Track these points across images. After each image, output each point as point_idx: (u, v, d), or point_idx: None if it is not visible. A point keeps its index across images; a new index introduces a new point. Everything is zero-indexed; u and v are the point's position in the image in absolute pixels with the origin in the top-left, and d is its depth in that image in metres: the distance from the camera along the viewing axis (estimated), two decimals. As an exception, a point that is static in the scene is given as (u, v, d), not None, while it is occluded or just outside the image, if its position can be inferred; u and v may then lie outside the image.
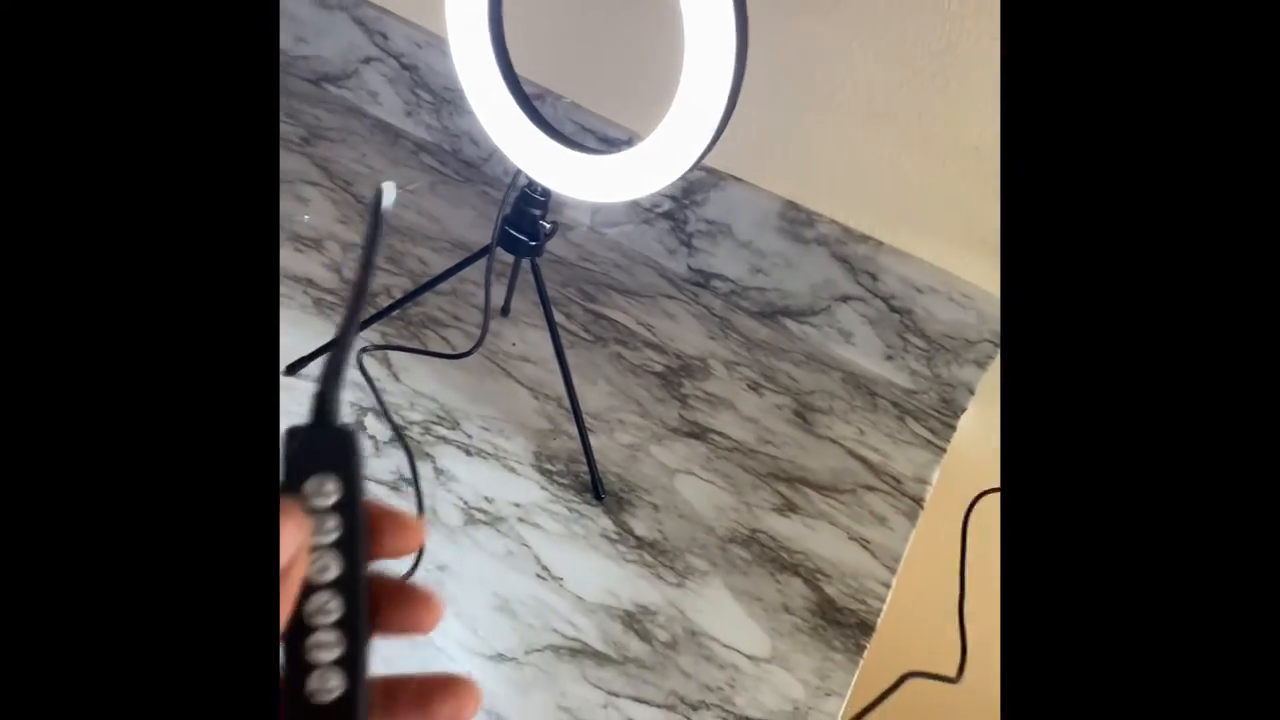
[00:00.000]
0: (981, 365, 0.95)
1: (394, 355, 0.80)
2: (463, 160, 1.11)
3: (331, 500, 0.26)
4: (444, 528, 0.66)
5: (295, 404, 0.71)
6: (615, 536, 0.71)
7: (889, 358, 0.99)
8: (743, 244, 1.02)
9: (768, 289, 1.02)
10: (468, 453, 0.74)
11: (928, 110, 0.92)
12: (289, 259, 0.85)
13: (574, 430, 0.79)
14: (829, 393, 0.94)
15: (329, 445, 0.26)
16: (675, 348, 0.93)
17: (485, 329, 0.71)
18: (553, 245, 1.02)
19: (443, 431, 0.75)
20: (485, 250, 0.73)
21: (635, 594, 0.66)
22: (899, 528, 0.80)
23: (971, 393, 0.97)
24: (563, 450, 0.77)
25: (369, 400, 0.75)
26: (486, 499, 0.70)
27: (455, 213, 1.02)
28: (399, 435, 0.71)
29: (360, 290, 0.27)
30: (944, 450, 0.92)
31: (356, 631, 0.25)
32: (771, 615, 0.68)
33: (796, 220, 0.99)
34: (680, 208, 1.02)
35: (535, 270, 0.73)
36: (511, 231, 0.71)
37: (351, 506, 0.26)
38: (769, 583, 0.71)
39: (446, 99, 1.09)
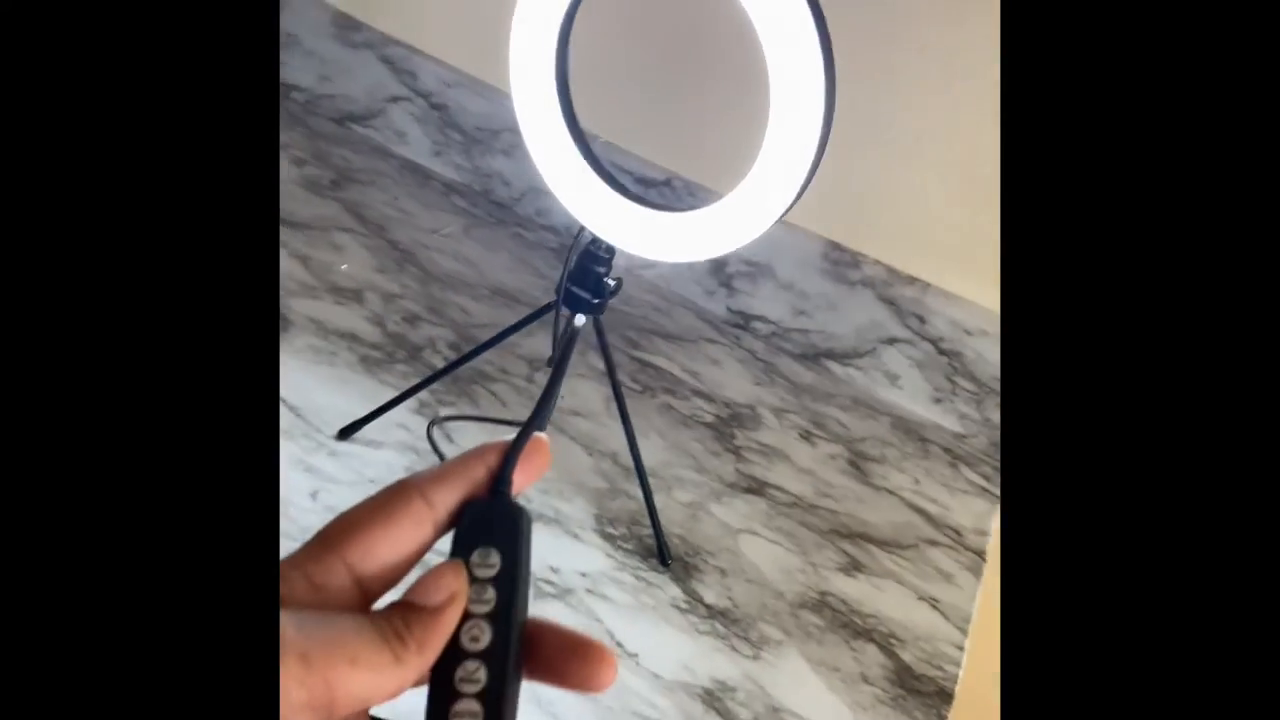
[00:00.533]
0: (1033, 409, 0.93)
1: (448, 424, 0.78)
2: (494, 201, 1.08)
3: (493, 572, 0.26)
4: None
5: (347, 470, 0.69)
6: (685, 606, 0.68)
7: (937, 401, 0.97)
8: (784, 285, 1.00)
9: (811, 331, 1.00)
10: (528, 519, 0.71)
11: (980, 150, 0.90)
12: (330, 312, 0.82)
13: (633, 489, 0.76)
14: (880, 439, 0.92)
15: (499, 520, 0.27)
16: (724, 395, 0.91)
17: (554, 396, 0.68)
18: (591, 289, 0.99)
19: (501, 496, 0.72)
20: (547, 308, 0.70)
21: (712, 669, 0.64)
22: (965, 584, 0.78)
23: (1022, 436, 0.95)
24: (623, 512, 0.74)
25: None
26: (553, 569, 0.68)
27: (491, 257, 0.99)
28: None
29: (550, 393, 0.31)
30: (999, 498, 0.90)
31: (500, 706, 0.26)
32: (851, 687, 0.66)
33: (840, 261, 0.97)
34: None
35: (598, 327, 0.71)
36: (575, 290, 0.68)
37: (511, 581, 0.26)
38: (844, 651, 0.68)
39: (477, 139, 1.06)
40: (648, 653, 0.64)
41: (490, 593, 0.26)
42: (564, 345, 0.27)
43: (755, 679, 0.64)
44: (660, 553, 0.71)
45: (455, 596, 0.26)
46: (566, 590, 0.67)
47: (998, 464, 0.94)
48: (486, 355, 0.84)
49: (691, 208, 0.63)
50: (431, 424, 0.74)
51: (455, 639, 0.26)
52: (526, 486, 0.28)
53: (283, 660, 0.23)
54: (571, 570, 0.68)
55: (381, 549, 0.26)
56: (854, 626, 0.71)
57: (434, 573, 0.26)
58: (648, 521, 0.73)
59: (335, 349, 0.79)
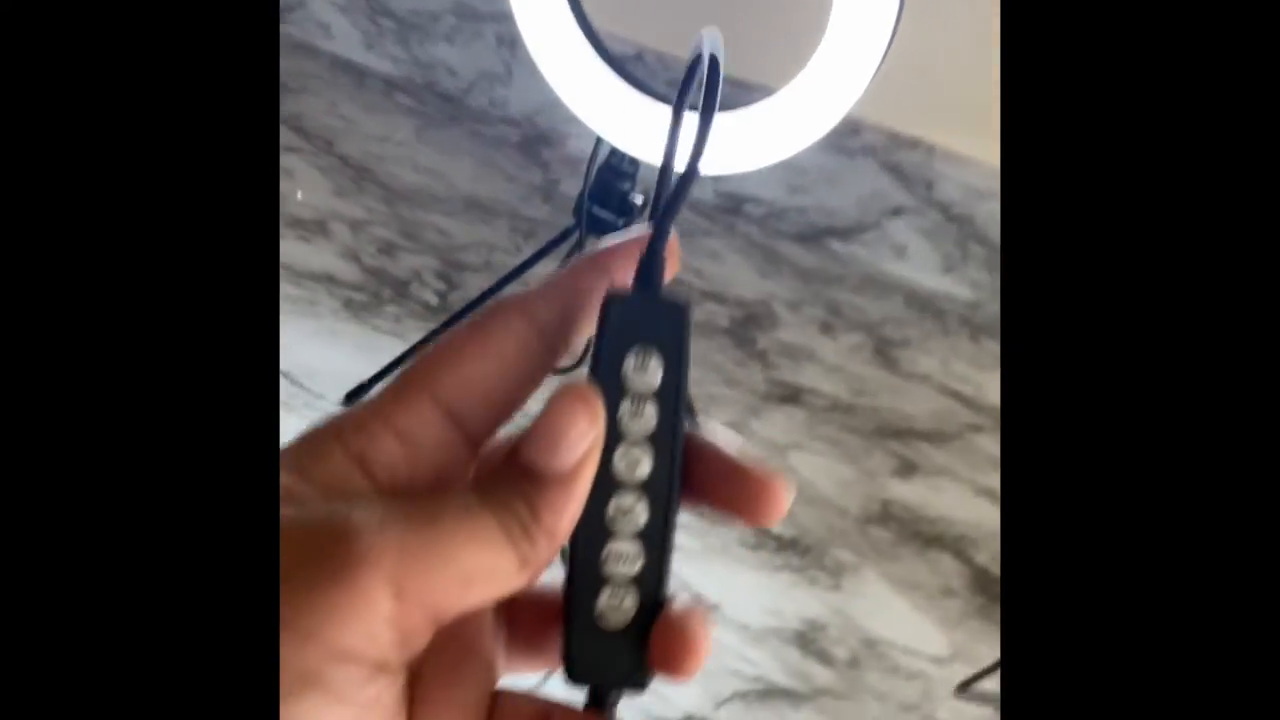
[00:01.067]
0: (1049, 269, 0.89)
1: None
2: (440, 94, 0.96)
3: (655, 382, 0.21)
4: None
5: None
6: (754, 542, 0.63)
7: (948, 270, 0.92)
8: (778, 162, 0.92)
9: (808, 208, 0.93)
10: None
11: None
12: (297, 252, 0.72)
13: (669, 417, 0.70)
14: (898, 320, 0.87)
15: (655, 316, 0.21)
16: (734, 293, 0.84)
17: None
18: (569, 188, 0.90)
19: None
20: (569, 232, 0.62)
21: (798, 608, 0.60)
22: (1018, 470, 0.75)
23: (1038, 299, 0.91)
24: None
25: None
26: (609, 523, 0.62)
27: (452, 163, 0.88)
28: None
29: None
30: (1026, 368, 0.86)
31: (664, 550, 0.21)
32: (936, 604, 0.62)
33: (838, 130, 0.89)
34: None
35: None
36: (598, 212, 0.59)
37: (676, 392, 0.21)
38: (921, 564, 0.65)
39: (412, 23, 0.93)
40: (729, 601, 0.59)
41: (650, 409, 0.21)
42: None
43: (842, 611, 0.60)
44: (715, 485, 0.65)
45: (591, 450, 0.19)
46: (629, 544, 0.61)
47: (1014, 330, 0.90)
48: (478, 283, 0.76)
49: (740, 104, 0.55)
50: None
51: (606, 461, 0.20)
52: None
53: (367, 581, 0.17)
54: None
55: (481, 378, 0.20)
56: (923, 535, 0.67)
57: (561, 412, 0.19)
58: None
59: (314, 295, 0.69)
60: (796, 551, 0.63)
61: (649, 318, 0.21)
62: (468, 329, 0.20)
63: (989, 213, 0.88)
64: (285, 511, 0.19)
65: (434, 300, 0.73)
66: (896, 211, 0.91)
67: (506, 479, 0.19)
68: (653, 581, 0.21)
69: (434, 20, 0.92)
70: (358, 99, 0.91)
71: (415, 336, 0.70)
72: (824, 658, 0.57)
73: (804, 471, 0.69)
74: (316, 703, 0.17)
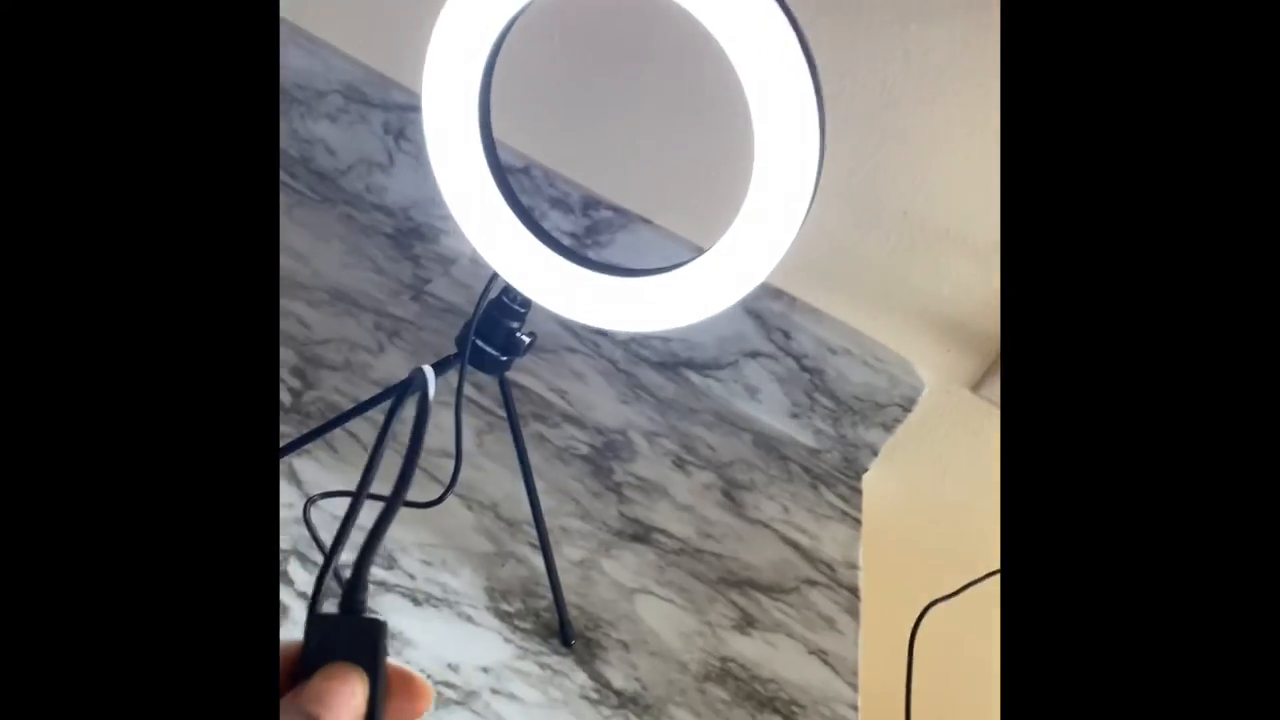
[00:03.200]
0: (888, 429, 0.94)
1: (298, 465, 0.66)
2: (315, 172, 0.93)
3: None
4: None
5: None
6: (595, 695, 0.62)
7: (794, 416, 0.96)
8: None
9: (672, 340, 0.95)
10: (415, 601, 0.62)
11: (859, 168, 0.87)
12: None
13: (520, 550, 0.69)
14: (746, 462, 0.89)
15: (353, 636, 0.24)
16: (594, 419, 0.84)
17: (458, 467, 0.58)
18: (438, 288, 0.88)
19: (381, 574, 0.62)
20: (450, 360, 0.60)
21: (634, 772, 0.59)
22: (847, 630, 0.77)
23: (875, 454, 0.95)
24: (515, 581, 0.67)
25: (288, 543, 0.60)
26: (451, 667, 0.59)
27: (322, 247, 0.85)
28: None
29: (401, 486, 0.27)
30: (859, 522, 0.90)
31: None
32: (766, 771, 0.63)
33: (709, 270, 0.91)
34: (581, 247, 0.92)
35: (504, 387, 0.61)
36: (480, 345, 0.58)
37: (372, 701, 0.23)
38: (753, 728, 0.65)
39: (297, 99, 0.90)
40: (567, 762, 0.58)
41: None
42: (417, 426, 0.26)
43: (676, 777, 0.60)
44: (563, 631, 0.64)
45: None
46: (470, 693, 0.59)
47: (849, 480, 0.94)
48: (335, 383, 0.73)
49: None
50: (309, 503, 0.62)
51: None
52: None
53: None
54: (472, 666, 0.60)
55: None
56: (758, 697, 0.68)
57: (339, 683, 0.23)
58: (541, 590, 0.66)
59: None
60: (636, 709, 0.62)
61: (348, 639, 0.24)
62: None
63: (838, 368, 0.92)
64: None
65: (287, 400, 0.70)
66: (753, 354, 0.93)
67: None
68: None
69: (319, 98, 0.89)
70: (226, 164, 0.87)
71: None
72: (656, 828, 0.57)
73: (648, 619, 0.69)
74: None
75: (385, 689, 0.24)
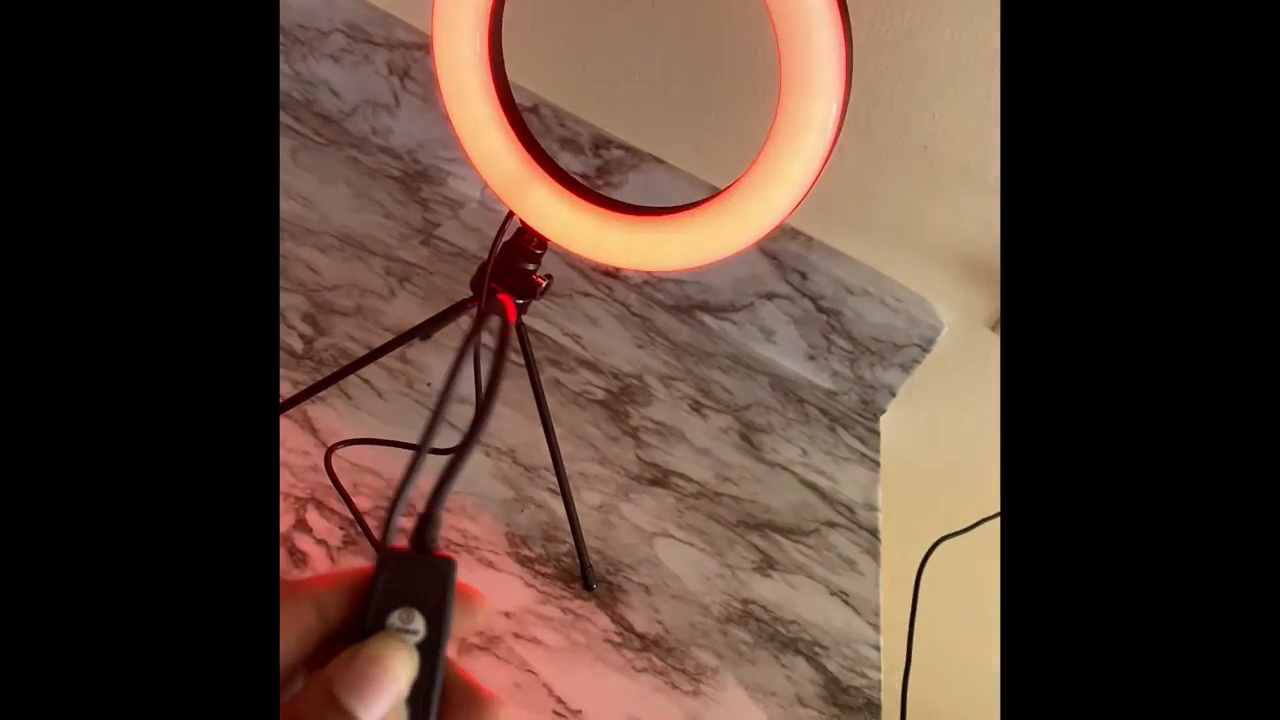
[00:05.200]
0: (907, 369, 0.92)
1: (313, 413, 0.65)
2: (320, 115, 0.91)
3: (416, 639, 0.23)
4: (438, 665, 0.54)
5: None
6: (618, 638, 0.62)
7: (811, 358, 0.94)
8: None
9: (686, 283, 0.93)
10: (435, 548, 0.61)
11: (876, 103, 0.84)
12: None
13: (539, 495, 0.68)
14: (764, 405, 0.88)
15: (422, 576, 0.23)
16: (609, 364, 0.83)
17: (481, 422, 0.57)
18: (447, 232, 0.87)
19: (404, 521, 0.61)
20: (464, 304, 0.59)
21: (657, 715, 0.59)
22: (868, 571, 0.77)
23: (893, 395, 0.94)
24: (534, 526, 0.66)
25: (305, 490, 0.59)
26: (473, 613, 0.59)
27: (329, 191, 0.83)
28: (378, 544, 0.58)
29: (478, 423, 0.26)
30: (878, 464, 0.89)
31: None
32: (789, 712, 0.63)
33: (724, 210, 0.90)
34: (594, 188, 0.90)
35: (521, 332, 0.60)
36: (497, 288, 0.57)
37: (435, 651, 0.23)
38: (776, 669, 0.65)
39: (299, 38, 0.88)
40: (590, 705, 0.57)
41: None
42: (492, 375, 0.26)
43: (699, 719, 0.60)
44: (584, 575, 0.64)
45: (395, 711, 0.22)
46: (493, 639, 0.58)
47: (867, 422, 0.93)
48: (348, 329, 0.71)
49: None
50: (330, 451, 0.61)
51: None
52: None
53: None
54: (494, 611, 0.60)
55: None
56: (780, 638, 0.67)
57: (377, 674, 0.22)
58: (561, 535, 0.66)
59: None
60: (659, 652, 0.62)
61: (417, 576, 0.23)
62: None
63: (856, 308, 0.90)
64: None
65: (299, 346, 0.69)
66: (769, 296, 0.92)
67: (316, 713, 0.21)
68: None
69: (322, 38, 0.87)
70: (229, 107, 0.85)
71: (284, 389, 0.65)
72: (682, 770, 0.57)
73: (669, 563, 0.69)
74: None
75: (448, 637, 0.23)
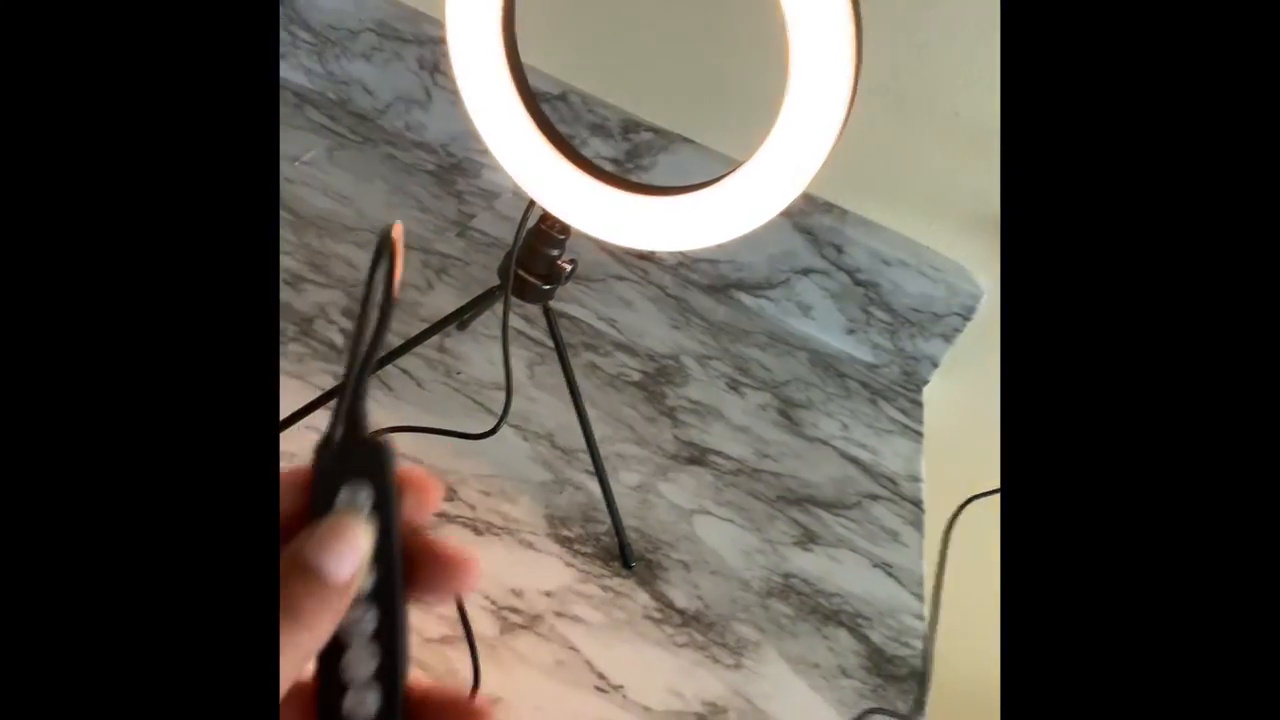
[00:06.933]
0: (948, 339, 0.92)
1: (353, 404, 0.67)
2: (355, 114, 0.93)
3: (366, 509, 0.24)
4: (481, 643, 0.56)
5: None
6: (658, 615, 0.63)
7: (850, 332, 0.94)
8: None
9: (721, 262, 0.94)
10: (476, 531, 0.63)
11: (904, 68, 0.84)
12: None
13: (578, 477, 0.69)
14: (803, 381, 0.88)
15: (359, 455, 0.25)
16: (645, 346, 0.84)
17: (508, 403, 0.58)
18: (483, 223, 0.88)
19: (443, 507, 0.63)
20: (493, 292, 0.60)
21: (699, 689, 0.59)
22: (911, 542, 0.77)
23: (935, 365, 0.94)
24: (573, 508, 0.67)
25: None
26: (515, 593, 0.60)
27: (365, 189, 0.85)
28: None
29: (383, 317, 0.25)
30: (921, 435, 0.89)
31: (394, 646, 0.24)
32: (833, 684, 0.63)
33: (756, 187, 0.89)
34: (623, 171, 0.91)
35: (549, 316, 0.61)
36: (523, 274, 0.58)
37: (385, 514, 0.24)
38: (818, 641, 0.66)
39: (330, 39, 0.90)
40: (632, 681, 0.58)
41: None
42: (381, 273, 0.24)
43: (742, 693, 0.61)
44: (622, 553, 0.65)
45: (361, 567, 0.24)
46: (534, 617, 0.60)
47: (910, 394, 0.93)
48: (387, 321, 0.73)
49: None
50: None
51: None
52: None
53: None
54: (535, 591, 0.61)
55: None
56: (822, 610, 0.68)
57: (339, 534, 0.23)
58: (600, 515, 0.67)
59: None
60: (700, 626, 0.63)
61: (354, 456, 0.25)
62: None
63: (894, 279, 0.90)
64: None
65: (339, 340, 0.70)
66: (805, 271, 0.92)
67: (286, 583, 0.22)
68: (391, 674, 0.24)
69: (353, 37, 0.88)
70: (265, 111, 0.87)
71: (318, 379, 0.67)
72: (724, 742, 0.57)
73: (707, 540, 0.69)
74: None
75: (399, 507, 0.25)
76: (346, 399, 0.25)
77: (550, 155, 0.56)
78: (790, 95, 0.50)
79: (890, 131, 0.85)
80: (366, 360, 0.25)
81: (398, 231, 0.25)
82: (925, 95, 0.83)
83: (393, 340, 0.72)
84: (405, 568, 0.25)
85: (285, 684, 0.22)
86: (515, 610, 0.59)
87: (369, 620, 0.24)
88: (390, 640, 0.24)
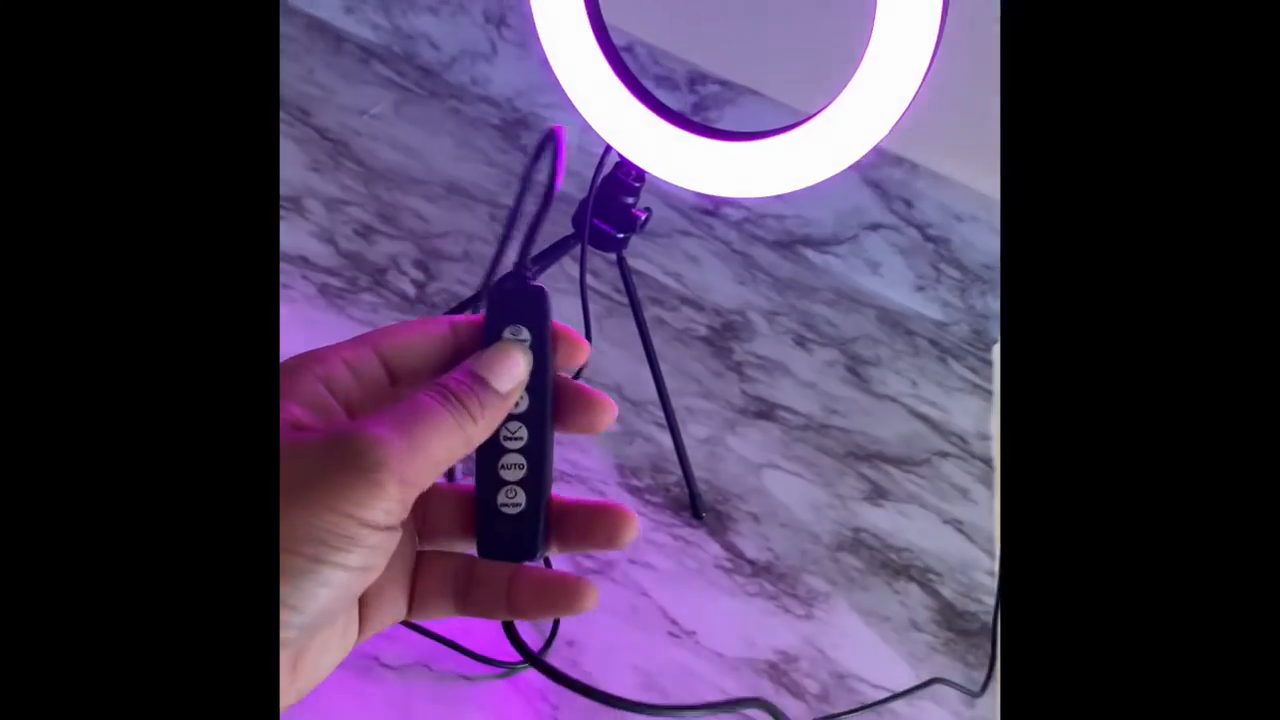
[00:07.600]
0: (1019, 297, 0.90)
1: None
2: (420, 68, 0.93)
3: (525, 343, 0.29)
4: (555, 589, 0.56)
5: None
6: (729, 564, 0.63)
7: (920, 289, 0.93)
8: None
9: (786, 216, 0.93)
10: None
11: (980, 16, 0.81)
12: (271, 234, 0.69)
13: (647, 429, 0.69)
14: (871, 338, 0.87)
15: (522, 299, 0.29)
16: (712, 301, 0.83)
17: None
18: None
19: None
20: (568, 240, 0.60)
21: (771, 637, 0.60)
22: (981, 499, 0.76)
23: (1005, 324, 0.92)
24: (643, 459, 0.67)
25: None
26: (587, 540, 0.60)
27: (432, 142, 0.85)
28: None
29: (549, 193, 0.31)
30: (991, 393, 0.87)
31: (541, 460, 0.29)
32: (904, 637, 0.63)
33: (824, 141, 0.88)
34: (690, 126, 0.90)
35: (622, 265, 0.61)
36: (597, 223, 0.58)
37: (541, 352, 0.29)
38: (889, 595, 0.65)
39: (397, -9, 0.90)
40: (704, 628, 0.59)
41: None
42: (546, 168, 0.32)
43: (814, 642, 0.60)
44: (693, 504, 0.65)
45: (521, 383, 0.29)
46: (607, 563, 0.60)
47: (979, 352, 0.91)
48: (456, 274, 0.73)
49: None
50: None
51: None
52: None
53: (384, 477, 0.25)
54: (607, 538, 0.61)
55: (409, 346, 0.29)
56: (892, 565, 0.67)
57: (505, 356, 0.28)
58: (669, 466, 0.67)
59: (288, 278, 0.66)
60: (771, 577, 0.63)
61: (520, 299, 0.29)
62: (413, 321, 0.30)
63: (965, 235, 0.88)
64: (310, 427, 0.26)
65: (411, 291, 0.71)
66: (874, 227, 0.90)
67: (463, 386, 0.27)
68: (535, 483, 0.29)
69: (419, -11, 0.88)
70: (335, 66, 0.87)
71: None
72: (795, 691, 0.57)
73: (777, 493, 0.69)
74: (356, 554, 0.25)
75: (552, 344, 0.29)
76: (522, 254, 0.30)
77: (629, 101, 0.55)
78: (875, 38, 0.49)
79: (962, 85, 0.83)
80: (536, 221, 0.30)
81: (560, 129, 0.30)
82: (997, 49, 0.81)
83: (464, 291, 0.72)
84: (554, 401, 0.29)
85: (451, 462, 0.27)
86: (589, 556, 0.60)
87: (522, 436, 0.29)
88: (539, 456, 0.29)
